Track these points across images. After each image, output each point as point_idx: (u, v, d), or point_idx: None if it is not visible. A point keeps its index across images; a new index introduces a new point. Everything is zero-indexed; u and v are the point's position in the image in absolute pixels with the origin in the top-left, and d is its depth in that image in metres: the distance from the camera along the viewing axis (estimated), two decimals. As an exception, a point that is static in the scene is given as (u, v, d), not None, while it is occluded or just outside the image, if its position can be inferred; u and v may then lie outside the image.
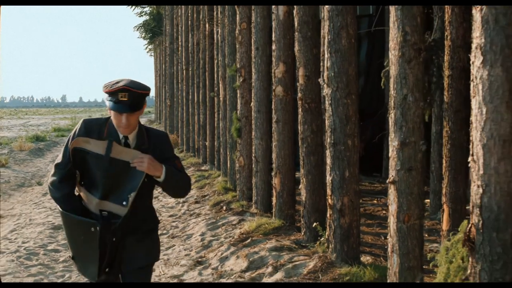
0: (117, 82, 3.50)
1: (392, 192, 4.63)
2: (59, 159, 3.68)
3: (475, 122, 3.46)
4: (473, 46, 3.46)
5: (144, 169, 3.48)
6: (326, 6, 5.76)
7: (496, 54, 3.33)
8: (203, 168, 14.73)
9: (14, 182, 14.97)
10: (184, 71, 19.01)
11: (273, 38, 7.82)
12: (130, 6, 29.91)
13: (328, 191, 5.92)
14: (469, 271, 3.56)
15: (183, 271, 6.71)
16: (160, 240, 8.30)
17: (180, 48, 20.30)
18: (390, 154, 4.65)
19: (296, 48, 6.91)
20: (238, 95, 9.97)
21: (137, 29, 38.85)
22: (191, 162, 15.91)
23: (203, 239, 7.91)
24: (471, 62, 3.48)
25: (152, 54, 42.26)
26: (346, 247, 5.79)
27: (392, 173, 4.62)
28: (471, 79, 3.48)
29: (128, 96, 3.44)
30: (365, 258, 6.01)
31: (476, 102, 3.44)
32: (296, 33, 6.87)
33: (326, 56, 5.80)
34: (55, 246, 8.14)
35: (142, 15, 36.44)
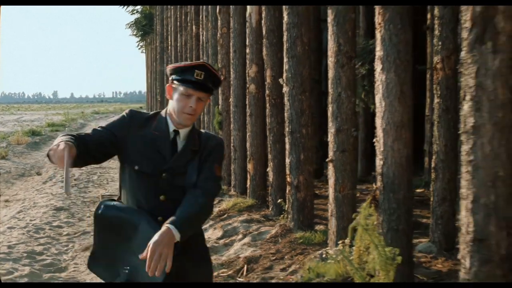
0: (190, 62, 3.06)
1: (330, 168, 5.90)
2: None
3: (377, 112, 4.74)
4: (376, 57, 4.74)
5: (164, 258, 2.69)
6: (285, 19, 7.01)
7: (390, 63, 4.61)
8: (190, 159, 15.98)
9: (15, 172, 16.13)
10: (173, 69, 20.23)
11: (247, 43, 9.08)
12: (123, 6, 31.00)
13: (287, 171, 7.19)
14: (375, 221, 4.84)
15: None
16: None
17: (169, 47, 21.54)
18: (329, 139, 5.91)
19: (264, 52, 8.17)
20: (220, 91, 11.22)
21: (129, 27, 40.03)
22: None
23: (187, 216, 9.16)
24: (374, 69, 4.76)
25: (144, 51, 43.41)
26: (301, 217, 7.06)
27: (330, 154, 5.89)
28: (375, 81, 4.77)
29: (205, 76, 2.98)
30: (319, 227, 7.28)
31: (378, 98, 4.72)
32: (264, 40, 8.13)
33: (285, 60, 7.06)
34: (59, 223, 9.36)
35: (133, 13, 37.63)
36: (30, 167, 17.48)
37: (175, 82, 3.02)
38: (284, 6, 7.00)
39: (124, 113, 3.10)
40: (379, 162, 4.75)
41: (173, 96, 3.04)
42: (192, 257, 3.05)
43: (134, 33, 39.78)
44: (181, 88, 2.98)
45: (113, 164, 16.27)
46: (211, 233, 7.76)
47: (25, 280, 6.45)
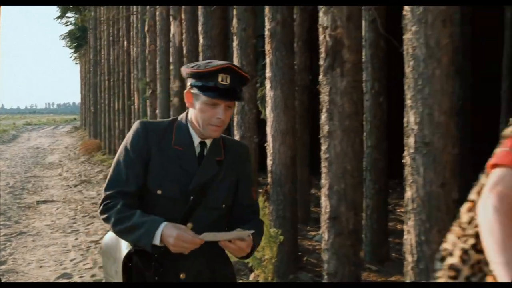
0: (210, 62, 2.50)
1: (236, 169, 6.98)
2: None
3: (268, 122, 5.86)
4: (266, 77, 5.86)
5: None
6: (201, 41, 8.08)
7: (277, 82, 5.73)
8: (122, 167, 16.82)
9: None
10: (106, 82, 21.08)
11: (171, 60, 10.12)
12: (57, 18, 31.38)
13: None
14: (267, 210, 5.94)
15: (99, 238, 8.88)
16: (83, 220, 10.51)
17: (102, 61, 22.34)
18: (235, 145, 6.99)
19: (185, 69, 9.21)
20: (148, 104, 12.20)
21: (63, 38, 40.25)
22: (112, 163, 17.96)
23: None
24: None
25: (78, 62, 43.68)
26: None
27: (236, 157, 6.97)
28: (266, 96, 5.89)
29: (232, 80, 2.46)
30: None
31: (268, 110, 5.84)
32: (185, 59, 9.19)
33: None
34: None
35: (67, 25, 37.95)
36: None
37: (194, 88, 2.46)
38: (200, 30, 8.06)
39: (136, 128, 2.53)
40: (269, 162, 5.85)
41: (194, 104, 2.49)
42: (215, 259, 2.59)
43: (68, 45, 40.07)
44: (204, 97, 2.44)
45: (47, 173, 16.97)
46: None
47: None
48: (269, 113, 5.82)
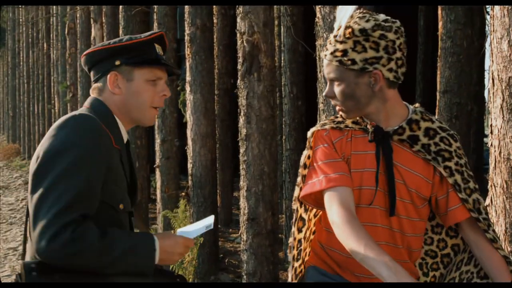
0: (133, 36, 2.17)
1: (158, 173, 7.00)
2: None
3: (188, 125, 5.91)
4: (186, 81, 5.91)
5: None
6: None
7: (196, 86, 5.80)
8: (42, 172, 16.45)
9: None
10: (26, 85, 20.53)
11: (92, 64, 10.00)
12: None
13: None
14: (188, 213, 5.99)
15: (17, 244, 8.69)
16: (1, 227, 10.22)
17: (21, 63, 21.75)
18: (156, 148, 7.01)
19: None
20: (69, 108, 12.00)
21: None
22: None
23: (35, 223, 9.89)
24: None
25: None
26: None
27: (157, 161, 6.99)
28: (186, 101, 5.95)
29: (163, 53, 2.18)
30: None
31: (188, 113, 5.90)
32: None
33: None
34: None
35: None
36: None
37: (126, 66, 2.07)
38: (120, 34, 8.03)
39: (89, 128, 1.96)
40: (189, 165, 5.91)
41: (123, 88, 2.09)
42: None
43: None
44: (141, 73, 2.08)
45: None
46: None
47: None
48: (189, 117, 5.88)
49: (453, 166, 2.09)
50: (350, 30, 2.06)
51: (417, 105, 2.23)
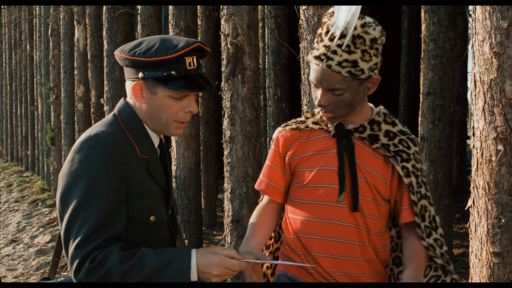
0: (166, 40, 1.99)
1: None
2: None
3: (172, 127, 5.90)
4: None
5: None
6: (105, 47, 8.01)
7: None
8: (25, 174, 16.36)
9: None
10: (8, 86, 20.37)
11: (75, 65, 9.95)
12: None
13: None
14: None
15: (0, 247, 8.62)
16: (-18, 229, 10.14)
17: (4, 64, 21.57)
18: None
19: (89, 75, 9.10)
20: (52, 109, 11.91)
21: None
22: (15, 170, 17.44)
23: (18, 226, 9.82)
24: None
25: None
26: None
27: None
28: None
29: (197, 61, 1.99)
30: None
31: (172, 116, 5.88)
32: (89, 64, 9.07)
33: (105, 82, 8.06)
34: None
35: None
36: None
37: (150, 80, 1.95)
38: (104, 36, 7.99)
39: (101, 153, 1.92)
40: (173, 167, 5.89)
41: (148, 99, 1.99)
42: None
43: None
44: (164, 89, 1.95)
45: None
46: (41, 238, 8.53)
47: None
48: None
49: (410, 167, 2.12)
50: (361, 40, 1.99)
51: (381, 107, 2.25)
